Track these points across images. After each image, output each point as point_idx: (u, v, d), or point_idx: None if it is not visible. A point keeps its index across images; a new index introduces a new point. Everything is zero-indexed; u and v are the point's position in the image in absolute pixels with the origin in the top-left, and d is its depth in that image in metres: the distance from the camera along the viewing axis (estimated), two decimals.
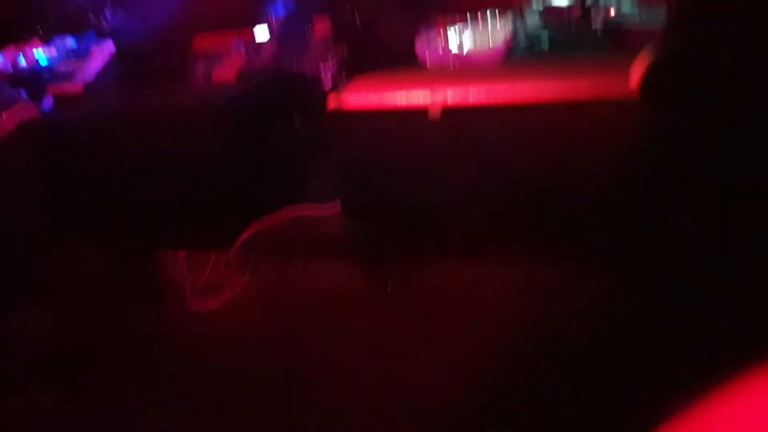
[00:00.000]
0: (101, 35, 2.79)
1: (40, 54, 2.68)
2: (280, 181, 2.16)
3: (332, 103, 1.87)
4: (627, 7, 1.99)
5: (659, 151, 1.42)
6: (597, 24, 2.03)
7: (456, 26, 2.32)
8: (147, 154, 2.12)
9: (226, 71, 2.52)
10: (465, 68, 2.13)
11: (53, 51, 2.72)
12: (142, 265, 2.27)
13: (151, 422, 1.87)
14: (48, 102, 2.50)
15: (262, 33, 2.60)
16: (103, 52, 2.69)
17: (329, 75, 2.42)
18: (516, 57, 2.14)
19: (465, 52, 2.25)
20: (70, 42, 2.77)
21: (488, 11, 2.39)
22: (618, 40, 1.95)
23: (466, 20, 2.32)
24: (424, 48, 2.31)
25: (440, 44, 2.30)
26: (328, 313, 2.02)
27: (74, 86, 2.55)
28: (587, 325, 1.70)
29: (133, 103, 2.32)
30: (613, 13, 2.01)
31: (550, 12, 2.18)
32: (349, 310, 2.00)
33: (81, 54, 2.68)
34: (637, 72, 1.49)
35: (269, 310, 2.10)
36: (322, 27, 2.58)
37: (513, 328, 1.80)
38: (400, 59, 2.35)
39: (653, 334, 1.55)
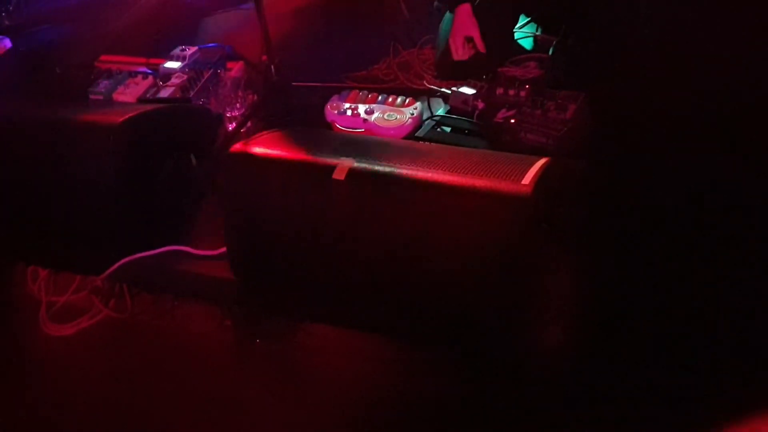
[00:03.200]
0: None
1: None
2: (166, 216, 2.09)
3: (234, 146, 1.85)
4: (528, 110, 2.14)
5: (540, 247, 1.51)
6: (498, 120, 2.16)
7: (367, 99, 2.39)
8: (30, 163, 2.00)
9: (127, 93, 2.45)
10: (372, 137, 2.18)
11: None
12: None
13: None
14: None
15: (173, 64, 2.56)
16: None
17: (234, 119, 2.41)
18: (419, 137, 2.23)
19: (372, 124, 2.32)
20: None
21: (398, 91, 2.48)
22: (516, 139, 2.08)
23: (377, 95, 2.40)
24: (334, 112, 2.37)
25: (350, 112, 2.35)
26: (188, 361, 1.94)
27: None
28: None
29: (23, 107, 2.19)
30: (514, 116, 2.15)
31: (456, 102, 2.31)
32: (211, 360, 1.94)
33: None
34: (530, 174, 1.59)
35: (127, 345, 1.99)
36: (236, 71, 2.58)
37: (366, 399, 1.81)
38: (309, 119, 2.39)
39: None
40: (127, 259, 1.93)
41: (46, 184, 1.99)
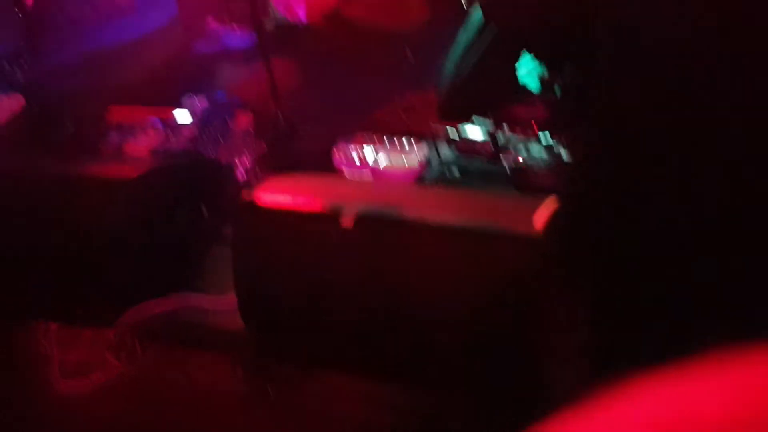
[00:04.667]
0: (12, 86, 2.70)
1: None
2: (177, 267, 2.10)
3: (244, 196, 1.86)
4: (536, 150, 2.14)
5: (551, 292, 1.50)
6: (506, 162, 2.16)
7: (373, 144, 2.41)
8: (40, 215, 2.02)
9: (138, 146, 2.48)
10: (379, 183, 2.19)
11: None
12: (8, 332, 2.09)
13: None
14: None
15: (182, 115, 2.59)
16: (11, 103, 2.59)
17: (244, 168, 2.42)
18: (427, 181, 2.23)
19: (380, 169, 2.33)
20: None
21: (405, 135, 2.50)
22: (524, 180, 2.08)
23: (384, 140, 2.41)
24: (341, 158, 2.38)
25: (357, 157, 2.37)
26: (201, 413, 1.92)
27: None
28: None
29: (36, 162, 2.22)
30: (521, 157, 2.15)
31: (463, 144, 2.31)
32: (223, 411, 1.92)
33: None
34: (541, 215, 1.59)
35: (140, 400, 1.98)
36: (244, 120, 2.61)
37: None
38: (317, 165, 2.40)
39: None
40: (136, 308, 1.94)
41: (59, 238, 2.01)
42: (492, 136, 2.24)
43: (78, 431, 1.91)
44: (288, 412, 1.91)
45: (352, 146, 2.40)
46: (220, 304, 1.97)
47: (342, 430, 1.84)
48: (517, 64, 2.58)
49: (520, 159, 2.12)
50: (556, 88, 2.53)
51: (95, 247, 1.97)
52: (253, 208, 1.82)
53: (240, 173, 2.43)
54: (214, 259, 2.14)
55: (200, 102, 2.65)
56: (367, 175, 2.34)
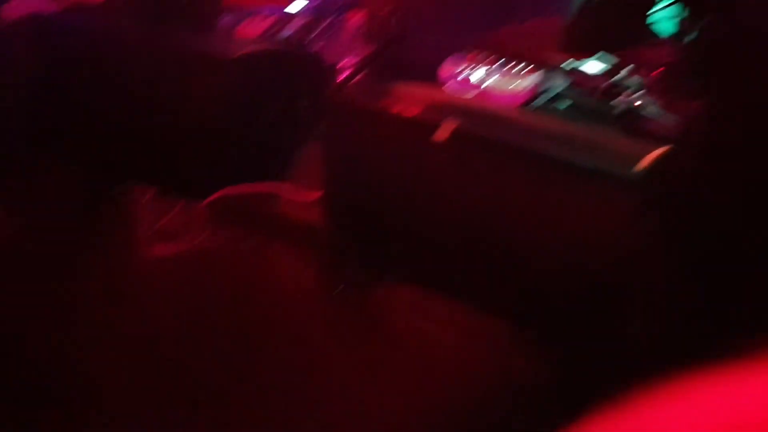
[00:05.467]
0: None
1: None
2: (270, 154, 2.12)
3: (343, 95, 1.85)
4: (654, 96, 2.01)
5: (647, 240, 1.42)
6: (618, 103, 2.04)
7: (485, 63, 2.32)
8: (149, 85, 2.07)
9: (249, 30, 2.48)
10: (484, 103, 2.12)
11: None
12: (107, 191, 2.20)
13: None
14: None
15: (296, 5, 2.57)
16: None
17: (348, 67, 2.39)
18: (534, 109, 2.14)
19: (487, 89, 2.25)
20: None
21: (520, 59, 2.39)
22: (634, 125, 1.96)
23: (496, 60, 2.32)
24: (449, 72, 2.31)
25: (466, 74, 2.29)
26: (270, 299, 1.97)
27: None
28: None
29: (149, 33, 2.27)
30: (637, 101, 2.02)
31: (579, 77, 2.19)
32: (290, 299, 1.96)
33: None
34: (647, 161, 1.50)
35: (216, 274, 2.05)
36: (356, 19, 2.56)
37: (445, 368, 1.78)
38: (423, 75, 2.34)
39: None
40: (227, 190, 1.98)
41: (162, 107, 2.06)
42: (612, 73, 2.11)
43: (156, 291, 2.01)
44: (355, 316, 1.94)
45: (462, 62, 2.32)
46: (307, 197, 1.99)
47: (405, 343, 1.85)
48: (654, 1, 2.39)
49: (636, 103, 2.00)
50: (693, 34, 2.35)
51: (196, 122, 2.02)
52: (350, 107, 1.80)
53: (343, 71, 2.40)
54: (307, 153, 2.15)
55: None
56: (472, 94, 2.27)
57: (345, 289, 1.93)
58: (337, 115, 1.86)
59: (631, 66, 2.07)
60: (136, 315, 1.89)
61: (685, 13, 2.41)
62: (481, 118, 1.73)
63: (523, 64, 2.30)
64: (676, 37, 2.31)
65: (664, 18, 2.47)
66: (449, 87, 2.30)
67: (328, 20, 2.53)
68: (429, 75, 2.35)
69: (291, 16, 2.53)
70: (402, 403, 1.68)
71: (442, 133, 1.65)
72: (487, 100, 2.24)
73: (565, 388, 1.56)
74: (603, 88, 2.11)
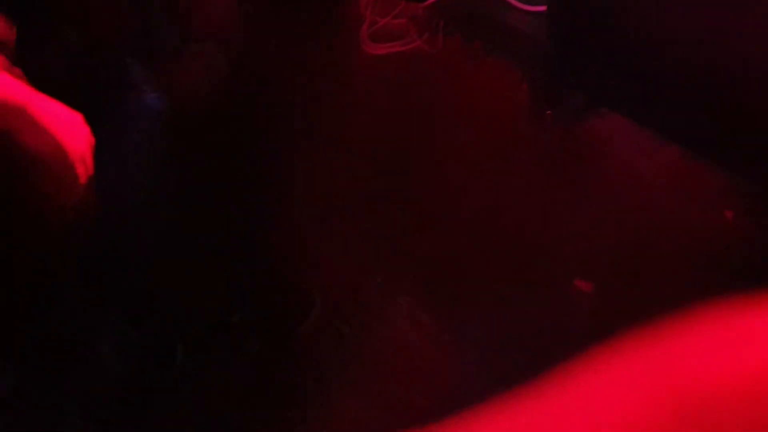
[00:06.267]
0: None
1: None
2: None
3: None
4: None
5: None
6: None
7: None
8: None
9: None
10: None
11: None
12: None
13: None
14: None
15: None
16: None
17: None
18: None
19: None
20: None
21: None
22: None
23: None
24: None
25: None
26: (475, 109, 1.95)
27: None
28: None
29: None
30: None
31: None
32: (497, 114, 1.93)
33: None
34: None
35: (428, 77, 2.05)
36: None
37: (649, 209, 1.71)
38: None
39: None
40: None
41: None
42: None
43: (374, 86, 2.05)
44: (561, 140, 1.89)
45: None
46: (530, 8, 1.89)
47: (615, 176, 1.79)
48: None
49: None
50: None
51: None
52: None
53: None
54: None
55: None
56: None
57: (558, 110, 1.87)
58: None
59: None
60: (352, 107, 1.97)
61: None
62: None
63: None
64: None
65: None
66: None
67: None
68: None
69: None
70: (611, 233, 1.66)
71: None
72: None
73: None
74: None
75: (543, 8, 1.82)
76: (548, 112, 1.89)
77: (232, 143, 1.83)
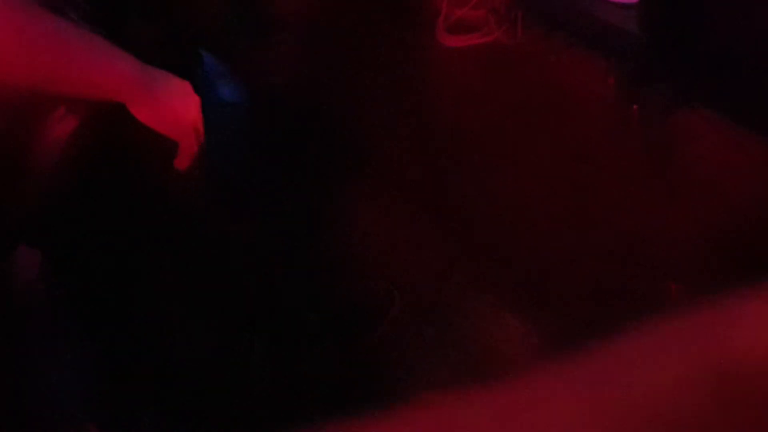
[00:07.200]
0: None
1: None
2: None
3: None
4: None
5: None
6: None
7: None
8: None
9: None
10: None
11: None
12: None
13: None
14: None
15: None
16: None
17: None
18: None
19: None
20: None
21: None
22: None
23: None
24: None
25: None
26: (558, 102, 1.89)
27: None
28: None
29: None
30: None
31: None
32: (580, 108, 1.87)
33: None
34: None
35: (507, 70, 2.00)
36: None
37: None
38: None
39: None
40: None
41: None
42: None
43: (450, 79, 2.02)
44: (648, 136, 1.83)
45: None
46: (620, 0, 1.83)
47: (700, 170, 1.72)
48: None
49: None
50: None
51: None
52: None
53: None
54: None
55: None
56: None
57: (646, 105, 1.80)
58: None
59: None
60: (428, 102, 1.94)
61: None
62: None
63: None
64: None
65: None
66: None
67: None
68: None
69: None
70: (694, 227, 1.60)
71: None
72: None
73: None
74: None
75: (632, 0, 1.76)
76: (635, 106, 1.82)
77: (310, 137, 1.81)
